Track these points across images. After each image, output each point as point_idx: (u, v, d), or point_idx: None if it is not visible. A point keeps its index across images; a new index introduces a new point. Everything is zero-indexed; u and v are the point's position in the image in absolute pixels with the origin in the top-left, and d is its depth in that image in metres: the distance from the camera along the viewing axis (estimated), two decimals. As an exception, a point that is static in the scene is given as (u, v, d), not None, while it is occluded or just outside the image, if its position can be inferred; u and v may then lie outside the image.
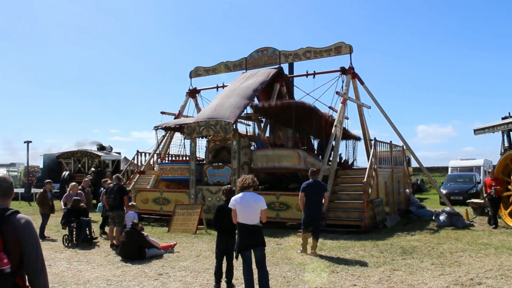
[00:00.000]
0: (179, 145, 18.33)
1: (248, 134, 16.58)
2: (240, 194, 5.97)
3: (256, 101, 17.86)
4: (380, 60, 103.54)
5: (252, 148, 14.43)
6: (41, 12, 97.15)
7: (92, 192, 16.68)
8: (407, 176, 17.69)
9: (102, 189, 12.21)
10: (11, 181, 2.91)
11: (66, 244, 10.36)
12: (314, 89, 18.13)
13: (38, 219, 16.11)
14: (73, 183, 12.17)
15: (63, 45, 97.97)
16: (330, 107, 14.72)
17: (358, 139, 18.06)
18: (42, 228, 11.75)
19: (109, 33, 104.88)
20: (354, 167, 17.18)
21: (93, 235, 10.79)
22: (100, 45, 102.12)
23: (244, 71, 17.38)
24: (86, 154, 24.40)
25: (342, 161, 16.61)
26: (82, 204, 11.22)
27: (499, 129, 13.61)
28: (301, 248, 8.94)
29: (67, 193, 11.65)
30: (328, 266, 7.68)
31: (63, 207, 11.53)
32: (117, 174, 10.93)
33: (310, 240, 8.97)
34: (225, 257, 6.47)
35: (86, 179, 13.51)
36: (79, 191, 11.83)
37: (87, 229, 10.59)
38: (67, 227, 10.62)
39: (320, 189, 9.07)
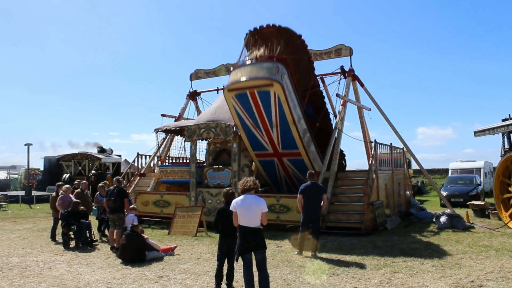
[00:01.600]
0: (179, 147, 18.34)
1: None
2: (241, 197, 5.98)
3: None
4: (380, 62, 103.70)
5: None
6: (41, 14, 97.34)
7: (91, 195, 16.65)
8: (407, 178, 17.69)
9: (97, 193, 12.18)
10: None
11: (67, 247, 10.35)
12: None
13: (38, 221, 16.20)
14: (67, 186, 12.06)
15: (62, 47, 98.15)
16: (337, 95, 14.43)
17: None
18: (53, 230, 11.73)
19: (109, 35, 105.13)
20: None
21: (93, 237, 10.79)
22: (99, 47, 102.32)
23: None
24: (87, 157, 24.45)
25: None
26: (81, 207, 11.19)
27: (499, 131, 13.62)
28: (298, 250, 8.96)
29: (61, 195, 11.60)
30: (328, 268, 7.68)
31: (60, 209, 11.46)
32: (117, 177, 10.93)
33: (307, 242, 8.99)
34: (226, 259, 6.49)
35: (84, 181, 13.50)
36: (69, 195, 11.70)
37: (87, 231, 10.60)
38: (67, 230, 10.61)
39: (318, 191, 9.09)
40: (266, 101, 11.68)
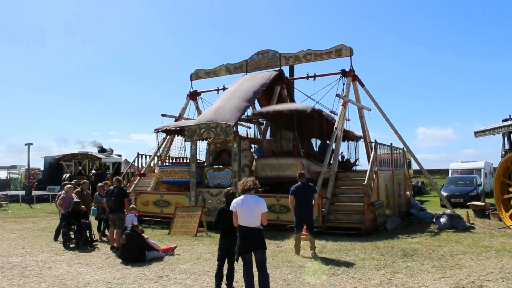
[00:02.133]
0: (179, 147, 18.35)
1: (249, 136, 16.61)
2: (241, 197, 5.98)
3: (256, 103, 17.90)
4: (380, 62, 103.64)
5: (254, 155, 14.45)
6: (40, 13, 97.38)
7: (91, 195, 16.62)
8: (407, 179, 17.68)
9: (97, 193, 12.18)
10: None
11: (67, 246, 10.34)
12: (315, 92, 18.15)
13: (38, 221, 16.20)
14: (69, 185, 12.05)
15: (61, 47, 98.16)
16: (331, 111, 14.80)
17: (359, 138, 18.11)
18: (58, 230, 11.74)
19: (109, 35, 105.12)
20: (357, 165, 17.27)
21: (93, 237, 10.79)
22: (99, 46, 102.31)
23: (245, 73, 17.40)
24: (87, 156, 24.42)
25: (344, 159, 16.63)
26: (82, 206, 11.18)
27: (499, 131, 13.61)
28: (294, 251, 9.00)
29: (63, 195, 11.60)
30: (328, 268, 7.67)
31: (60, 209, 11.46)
32: (117, 177, 10.91)
33: (303, 242, 9.08)
34: (226, 259, 6.49)
35: (85, 181, 13.50)
36: (72, 194, 11.68)
37: (87, 231, 10.60)
38: (68, 229, 10.60)
39: (309, 190, 9.18)
40: None
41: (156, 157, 18.31)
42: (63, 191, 11.83)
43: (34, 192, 25.79)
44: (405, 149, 16.13)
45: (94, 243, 10.67)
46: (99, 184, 12.69)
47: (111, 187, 10.33)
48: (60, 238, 11.24)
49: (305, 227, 9.28)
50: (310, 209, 9.15)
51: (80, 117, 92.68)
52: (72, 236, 10.69)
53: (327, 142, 14.48)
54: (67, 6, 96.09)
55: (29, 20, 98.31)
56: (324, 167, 13.12)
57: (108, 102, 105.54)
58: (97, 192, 12.17)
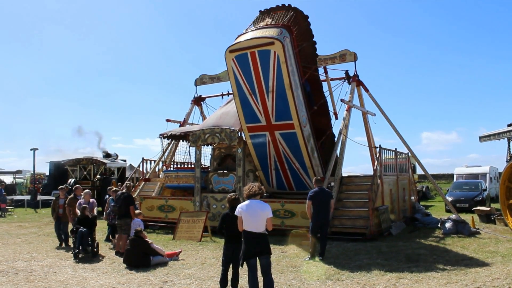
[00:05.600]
0: (184, 152, 18.42)
1: None
2: (246, 202, 5.99)
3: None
4: (384, 67, 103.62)
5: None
6: (43, 16, 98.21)
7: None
8: (412, 184, 17.63)
9: (108, 196, 12.24)
10: None
11: (73, 253, 10.21)
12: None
13: (43, 226, 16.27)
14: (86, 190, 11.95)
15: (64, 50, 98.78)
16: (342, 100, 14.44)
17: None
18: (64, 234, 11.71)
19: (112, 39, 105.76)
20: None
21: (87, 248, 9.85)
22: (102, 50, 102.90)
23: (249, 78, 17.41)
24: (92, 162, 24.50)
25: None
26: (89, 213, 11.02)
27: (504, 136, 13.57)
28: (309, 256, 8.97)
29: (80, 200, 11.62)
30: (333, 274, 7.66)
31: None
32: (127, 182, 10.97)
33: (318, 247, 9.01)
34: (230, 264, 6.50)
35: (78, 186, 13.49)
36: (90, 199, 11.60)
37: (82, 239, 9.81)
38: (75, 235, 10.53)
39: (326, 196, 9.17)
40: (265, 62, 11.56)
41: (160, 162, 18.39)
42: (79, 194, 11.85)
43: (40, 197, 25.87)
44: (409, 154, 16.10)
45: (93, 251, 9.91)
46: (114, 188, 12.75)
47: (119, 192, 10.43)
48: (70, 243, 11.23)
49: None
50: (327, 215, 9.15)
51: (82, 121, 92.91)
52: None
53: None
54: (69, 8, 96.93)
55: (29, 21, 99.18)
56: (328, 173, 13.12)
57: (110, 106, 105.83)
58: (109, 196, 12.18)
